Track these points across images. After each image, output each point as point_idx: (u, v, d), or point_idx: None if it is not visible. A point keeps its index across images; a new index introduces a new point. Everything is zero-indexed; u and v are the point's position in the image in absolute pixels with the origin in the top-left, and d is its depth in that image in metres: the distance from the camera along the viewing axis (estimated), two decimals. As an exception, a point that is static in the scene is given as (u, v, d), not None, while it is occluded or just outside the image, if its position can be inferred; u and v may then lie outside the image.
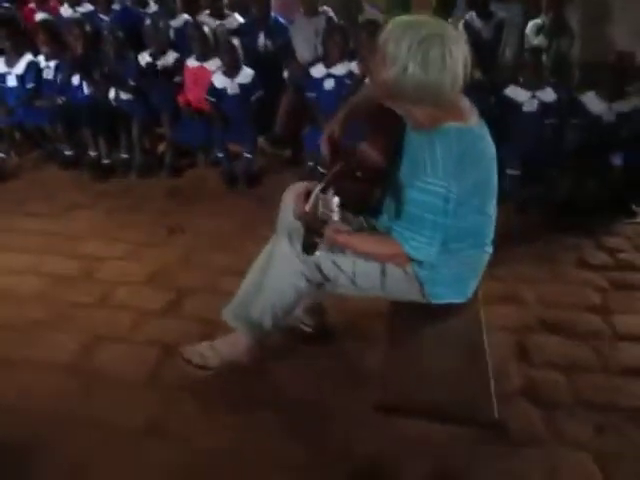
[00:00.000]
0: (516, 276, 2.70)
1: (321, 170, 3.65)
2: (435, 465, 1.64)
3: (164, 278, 2.62)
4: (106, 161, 3.86)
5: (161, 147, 4.06)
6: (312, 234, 1.39)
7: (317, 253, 1.49)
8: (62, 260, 2.78)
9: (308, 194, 1.51)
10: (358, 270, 1.77)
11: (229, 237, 3.04)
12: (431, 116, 1.58)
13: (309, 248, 1.40)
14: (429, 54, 1.46)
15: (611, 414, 1.86)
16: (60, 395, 1.94)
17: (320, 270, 1.77)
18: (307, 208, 1.43)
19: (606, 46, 3.97)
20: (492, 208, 1.75)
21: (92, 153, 3.86)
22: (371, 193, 1.77)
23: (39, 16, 4.21)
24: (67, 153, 3.93)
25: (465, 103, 1.65)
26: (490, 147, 1.66)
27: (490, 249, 1.82)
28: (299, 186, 1.97)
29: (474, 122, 1.62)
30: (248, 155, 3.77)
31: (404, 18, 1.56)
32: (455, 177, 1.54)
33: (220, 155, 3.81)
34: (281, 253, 1.79)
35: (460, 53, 1.50)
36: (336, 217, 1.39)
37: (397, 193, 1.67)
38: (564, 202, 3.42)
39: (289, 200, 1.98)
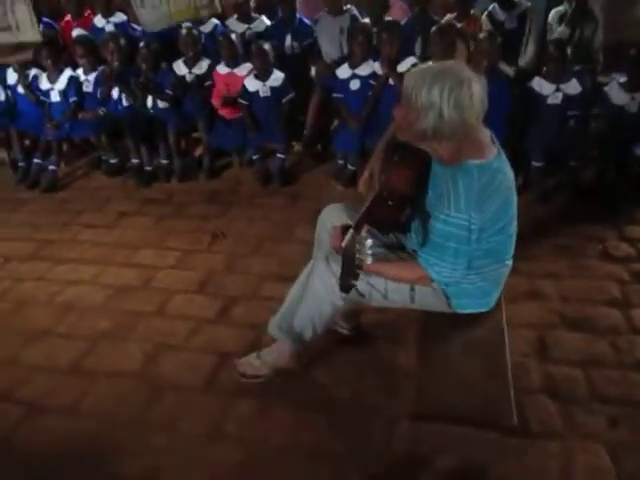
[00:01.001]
0: (539, 271, 2.85)
1: (350, 167, 3.85)
2: (460, 459, 1.86)
3: (212, 285, 2.87)
4: (148, 167, 4.11)
5: (198, 151, 4.28)
6: (348, 276, 1.57)
7: (351, 292, 1.69)
8: (120, 270, 3.05)
9: (344, 229, 1.72)
10: (390, 287, 1.96)
11: (267, 241, 3.26)
12: (454, 152, 1.74)
13: (346, 289, 1.59)
14: (460, 97, 1.61)
15: (625, 407, 2.03)
16: (130, 401, 2.19)
17: (355, 289, 1.98)
18: (343, 244, 1.63)
19: (631, 31, 3.96)
20: (512, 228, 1.90)
21: (135, 160, 4.12)
22: (401, 217, 1.96)
23: (75, 32, 4.41)
24: (112, 161, 4.20)
25: (485, 135, 1.81)
26: (508, 176, 1.81)
27: (510, 262, 1.99)
28: (338, 212, 2.16)
29: (493, 155, 1.77)
30: (281, 155, 3.97)
31: (424, 68, 1.72)
32: (476, 210, 1.70)
33: (254, 157, 4.02)
34: (319, 273, 1.99)
35: (481, 91, 1.67)
36: (369, 260, 1.57)
37: (423, 221, 1.86)
38: (587, 192, 3.53)
39: (328, 221, 2.18)
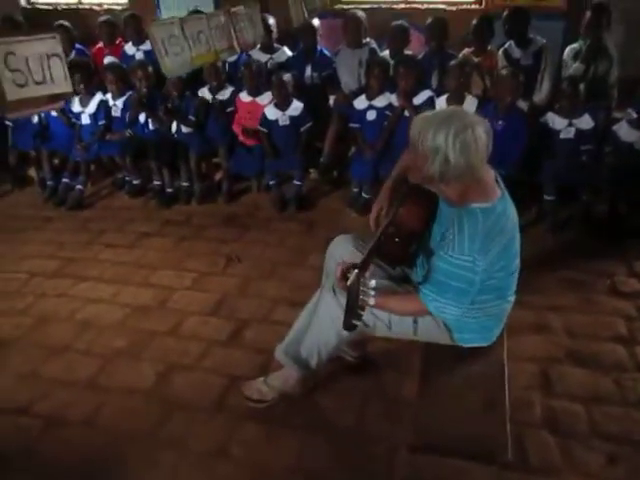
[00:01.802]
0: (546, 304, 2.89)
1: (365, 196, 3.94)
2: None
3: (226, 308, 2.96)
4: (169, 189, 4.25)
5: (218, 175, 4.42)
6: (351, 316, 1.62)
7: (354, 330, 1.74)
8: (138, 290, 3.16)
9: (348, 268, 1.78)
10: (393, 319, 2.03)
11: (281, 266, 3.35)
12: (460, 194, 1.81)
13: (349, 327, 1.64)
14: (465, 142, 1.68)
15: (625, 446, 2.06)
16: (141, 418, 2.29)
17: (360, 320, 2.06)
18: (348, 283, 1.68)
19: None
20: (515, 266, 1.96)
21: (157, 182, 4.27)
22: (407, 252, 2.04)
23: (107, 59, 4.62)
24: (134, 182, 4.36)
25: (490, 177, 1.87)
26: (511, 218, 1.87)
27: (513, 298, 2.05)
28: (346, 244, 2.24)
29: (497, 197, 1.83)
30: (297, 182, 4.08)
31: (429, 114, 1.81)
32: (481, 252, 1.76)
33: (272, 182, 4.14)
34: (326, 304, 2.07)
35: (484, 134, 1.73)
36: (372, 302, 1.62)
37: (427, 258, 1.94)
38: (598, 226, 3.57)
39: (336, 253, 2.26)
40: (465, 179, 1.76)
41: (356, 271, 1.64)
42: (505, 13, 4.10)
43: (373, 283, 1.63)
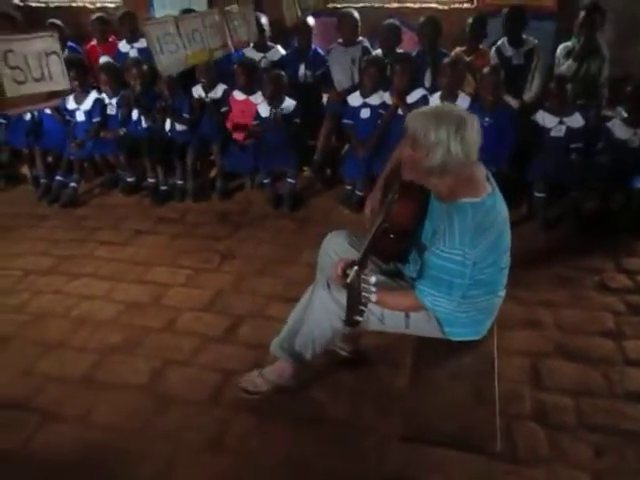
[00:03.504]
0: (537, 299, 2.94)
1: (358, 193, 3.97)
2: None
3: (220, 304, 2.99)
4: (163, 187, 4.27)
5: (212, 173, 4.44)
6: (354, 312, 1.64)
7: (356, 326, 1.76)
8: (132, 287, 3.18)
9: (348, 264, 1.81)
10: (386, 313, 2.06)
11: (275, 262, 3.38)
12: (451, 190, 1.87)
13: (352, 324, 1.66)
14: (465, 134, 1.77)
15: (612, 437, 2.10)
16: (137, 413, 2.31)
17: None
18: (348, 280, 1.70)
19: (635, 66, 4.08)
20: (505, 261, 2.01)
21: (151, 180, 4.28)
22: (400, 248, 2.08)
23: (102, 59, 4.62)
24: (129, 180, 4.37)
25: (481, 173, 1.93)
26: (501, 213, 1.92)
27: (503, 293, 2.09)
28: (339, 239, 2.27)
29: (487, 193, 1.88)
30: (291, 180, 4.11)
31: (425, 110, 1.89)
32: (470, 246, 1.81)
33: (265, 180, 4.16)
34: (320, 298, 2.10)
35: (478, 128, 1.83)
36: (374, 298, 1.65)
37: (419, 253, 1.98)
38: (588, 222, 3.62)
39: (329, 248, 2.29)
40: (461, 171, 1.82)
41: (356, 268, 1.67)
42: (506, 11, 4.14)
43: (374, 279, 1.66)
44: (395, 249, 2.04)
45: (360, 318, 1.65)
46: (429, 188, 1.95)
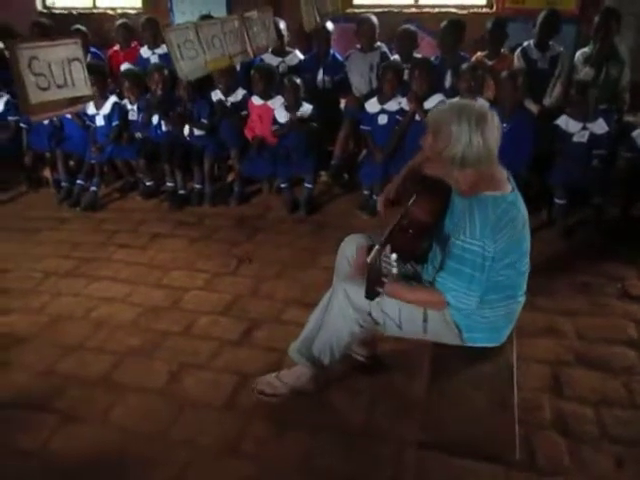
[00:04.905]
0: (557, 307, 2.90)
1: (375, 198, 3.95)
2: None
3: (237, 308, 2.99)
4: (182, 191, 4.30)
5: (230, 177, 4.46)
6: (374, 283, 1.70)
7: (378, 299, 1.82)
8: (151, 290, 3.20)
9: (370, 248, 1.85)
10: (403, 317, 2.06)
11: (292, 267, 3.38)
12: (473, 184, 1.89)
13: (371, 295, 1.73)
14: (486, 127, 1.81)
15: (633, 448, 2.06)
16: (154, 415, 2.32)
17: (371, 317, 2.08)
18: (369, 260, 1.77)
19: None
20: (524, 265, 2.00)
21: (169, 184, 4.32)
22: (419, 246, 2.07)
23: (124, 66, 4.69)
24: (148, 184, 4.41)
25: (502, 174, 1.94)
26: (522, 213, 1.93)
27: (523, 299, 2.08)
28: (359, 240, 2.28)
29: (508, 191, 1.90)
30: (308, 185, 4.11)
31: (448, 105, 1.93)
32: (491, 238, 1.82)
33: (283, 185, 4.18)
34: (338, 303, 2.10)
35: (498, 123, 1.86)
36: (395, 270, 1.70)
37: (441, 248, 1.98)
38: (609, 230, 3.56)
39: (348, 251, 2.30)
40: (482, 164, 1.84)
41: (377, 247, 1.72)
42: (543, 13, 4.10)
43: (394, 256, 1.70)
44: (414, 246, 2.03)
45: (381, 289, 1.73)
46: (451, 183, 1.96)
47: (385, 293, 1.87)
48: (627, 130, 3.63)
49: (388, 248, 1.73)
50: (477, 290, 1.88)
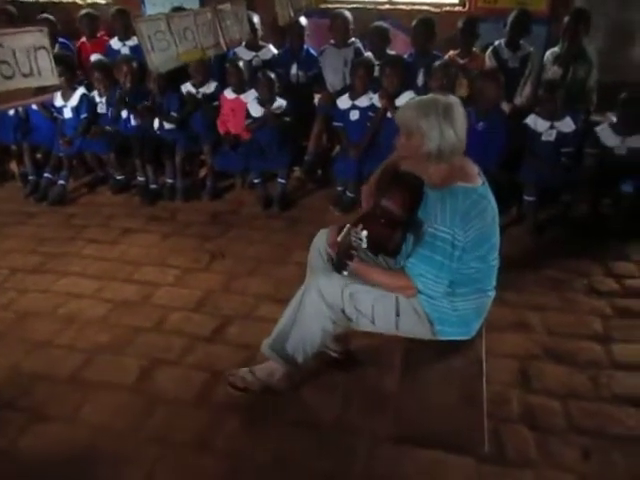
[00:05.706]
0: (526, 302, 2.95)
1: (349, 194, 3.97)
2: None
3: (210, 304, 2.97)
4: (153, 186, 4.24)
5: (202, 172, 4.42)
6: (343, 257, 1.77)
7: (345, 273, 1.87)
8: (121, 285, 3.15)
9: (341, 228, 1.88)
10: (377, 313, 2.07)
11: (265, 262, 3.37)
12: (445, 177, 1.94)
13: (340, 268, 1.81)
14: (454, 116, 1.86)
15: (599, 440, 2.12)
16: (125, 412, 2.29)
17: (344, 313, 2.09)
18: (339, 238, 1.82)
19: (625, 72, 4.11)
20: (494, 259, 2.04)
21: (140, 178, 4.25)
22: (391, 237, 2.08)
23: (93, 57, 4.58)
24: (118, 178, 4.33)
25: (473, 169, 1.99)
26: (492, 206, 1.97)
27: (493, 293, 2.11)
28: (331, 227, 2.29)
29: (479, 184, 1.95)
30: (282, 180, 4.10)
31: (413, 101, 1.97)
32: (461, 228, 1.87)
33: (256, 180, 4.15)
34: (311, 300, 2.10)
35: (463, 111, 1.92)
36: (364, 245, 1.77)
37: (414, 238, 2.00)
38: (578, 226, 3.64)
39: (320, 245, 2.30)
40: (455, 154, 1.90)
41: (348, 225, 1.79)
42: (514, 13, 4.12)
43: (365, 233, 1.77)
44: (384, 233, 2.01)
45: (350, 262, 1.79)
46: (425, 178, 2.00)
47: (354, 269, 1.92)
48: (592, 129, 3.70)
49: (360, 226, 1.82)
50: (445, 278, 1.94)
